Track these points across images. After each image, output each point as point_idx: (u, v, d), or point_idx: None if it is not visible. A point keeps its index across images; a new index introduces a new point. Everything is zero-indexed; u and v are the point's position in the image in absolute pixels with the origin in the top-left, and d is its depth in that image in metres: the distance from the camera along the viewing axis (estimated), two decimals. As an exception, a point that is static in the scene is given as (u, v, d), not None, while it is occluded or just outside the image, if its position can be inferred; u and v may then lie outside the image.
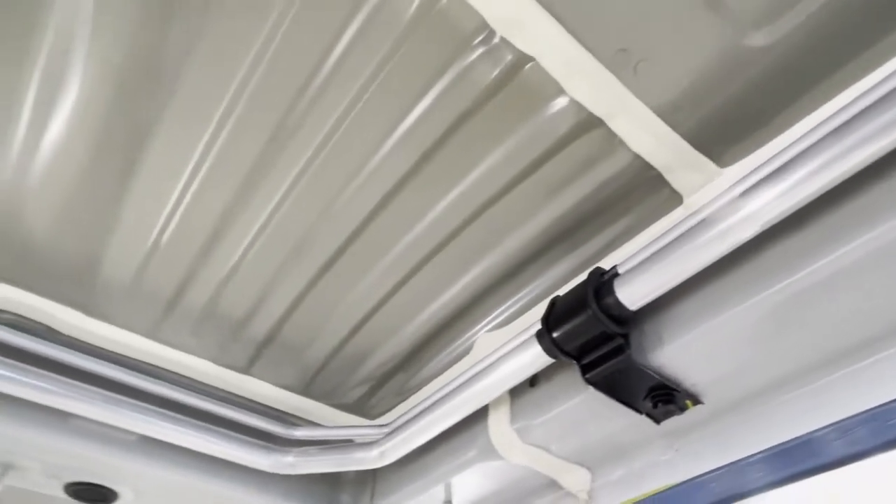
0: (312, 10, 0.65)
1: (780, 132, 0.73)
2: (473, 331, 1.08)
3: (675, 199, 0.82)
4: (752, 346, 0.74)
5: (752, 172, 0.67)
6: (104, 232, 0.90)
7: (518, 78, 0.69)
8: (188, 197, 0.85)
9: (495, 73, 0.68)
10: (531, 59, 0.67)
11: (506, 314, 1.04)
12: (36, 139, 0.77)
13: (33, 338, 0.94)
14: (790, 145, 0.65)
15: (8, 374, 0.87)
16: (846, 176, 0.60)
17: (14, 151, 0.78)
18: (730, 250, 0.69)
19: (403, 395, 1.23)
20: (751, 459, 0.82)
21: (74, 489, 1.11)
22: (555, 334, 0.79)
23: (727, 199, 0.68)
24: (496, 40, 0.66)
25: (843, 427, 0.77)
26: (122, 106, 0.74)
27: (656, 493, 0.93)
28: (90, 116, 0.74)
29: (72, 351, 0.96)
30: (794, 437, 0.81)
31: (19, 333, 0.93)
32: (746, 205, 0.66)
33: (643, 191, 0.82)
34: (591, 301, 0.75)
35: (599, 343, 0.77)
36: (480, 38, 0.66)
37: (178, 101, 0.74)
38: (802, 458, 0.82)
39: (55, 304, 0.98)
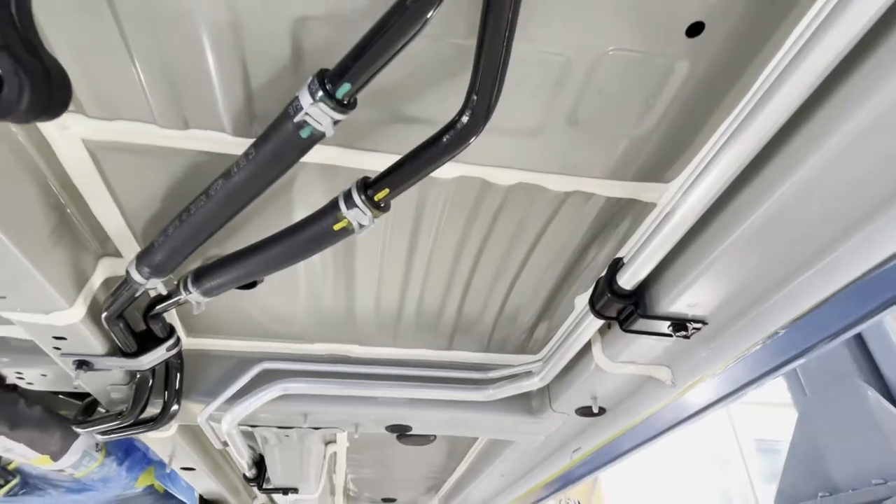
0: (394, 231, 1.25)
1: (702, 146, 1.08)
2: (571, 293, 1.62)
3: (650, 205, 1.23)
4: (723, 283, 1.16)
5: (689, 175, 1.06)
6: (352, 301, 1.66)
7: (513, 194, 1.20)
8: (385, 273, 1.54)
9: (498, 201, 1.20)
10: (517, 184, 1.17)
11: (586, 281, 1.55)
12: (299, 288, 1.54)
13: (344, 365, 1.80)
14: (710, 149, 1.01)
15: (344, 383, 1.75)
16: (751, 157, 0.91)
17: (303, 297, 1.57)
18: (683, 233, 1.10)
19: (549, 334, 1.84)
20: (755, 348, 1.25)
21: (390, 427, 2.03)
22: (597, 307, 1.31)
23: (676, 199, 1.08)
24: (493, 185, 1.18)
25: (806, 320, 1.16)
26: (340, 261, 1.45)
27: (711, 375, 1.41)
28: (322, 274, 1.47)
29: (361, 366, 1.81)
30: (782, 325, 1.21)
31: (336, 365, 1.80)
32: (688, 198, 1.06)
33: (626, 208, 1.25)
34: (605, 288, 1.25)
35: (623, 308, 1.27)
36: (488, 191, 1.18)
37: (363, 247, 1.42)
38: (792, 342, 1.22)
39: (343, 344, 1.82)
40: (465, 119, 0.86)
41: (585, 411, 1.78)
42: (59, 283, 1.20)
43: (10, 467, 2.94)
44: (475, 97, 0.84)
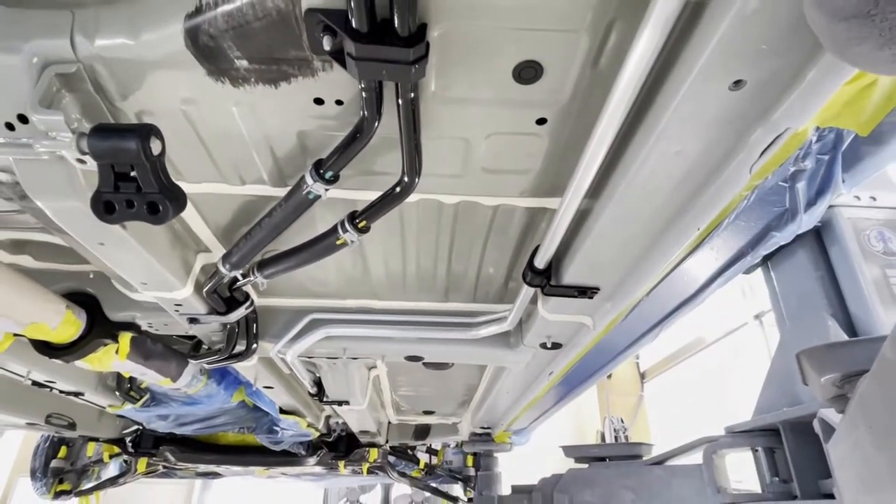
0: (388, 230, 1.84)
1: (575, 173, 1.59)
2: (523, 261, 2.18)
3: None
4: (599, 263, 1.70)
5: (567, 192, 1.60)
6: (367, 269, 2.30)
7: (461, 206, 1.76)
8: (387, 251, 2.17)
9: (452, 210, 1.77)
10: (460, 202, 1.73)
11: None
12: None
13: (369, 314, 2.48)
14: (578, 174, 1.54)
15: (369, 327, 2.44)
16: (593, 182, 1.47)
17: (332, 266, 2.23)
18: (563, 231, 1.63)
19: (518, 288, 2.42)
20: (639, 303, 1.80)
21: (408, 357, 2.73)
22: (526, 279, 1.88)
23: (562, 204, 1.61)
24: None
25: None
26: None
27: (617, 320, 1.97)
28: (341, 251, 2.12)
29: (381, 314, 2.48)
30: (649, 290, 1.75)
31: (363, 314, 2.48)
32: (562, 208, 1.58)
33: (544, 211, 1.78)
34: (527, 265, 1.81)
35: (541, 280, 1.84)
36: (443, 206, 1.75)
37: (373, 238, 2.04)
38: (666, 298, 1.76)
39: (366, 299, 2.49)
40: (404, 180, 1.44)
41: (544, 346, 2.40)
42: (175, 273, 1.91)
43: (143, 386, 3.95)
44: (406, 167, 1.40)
